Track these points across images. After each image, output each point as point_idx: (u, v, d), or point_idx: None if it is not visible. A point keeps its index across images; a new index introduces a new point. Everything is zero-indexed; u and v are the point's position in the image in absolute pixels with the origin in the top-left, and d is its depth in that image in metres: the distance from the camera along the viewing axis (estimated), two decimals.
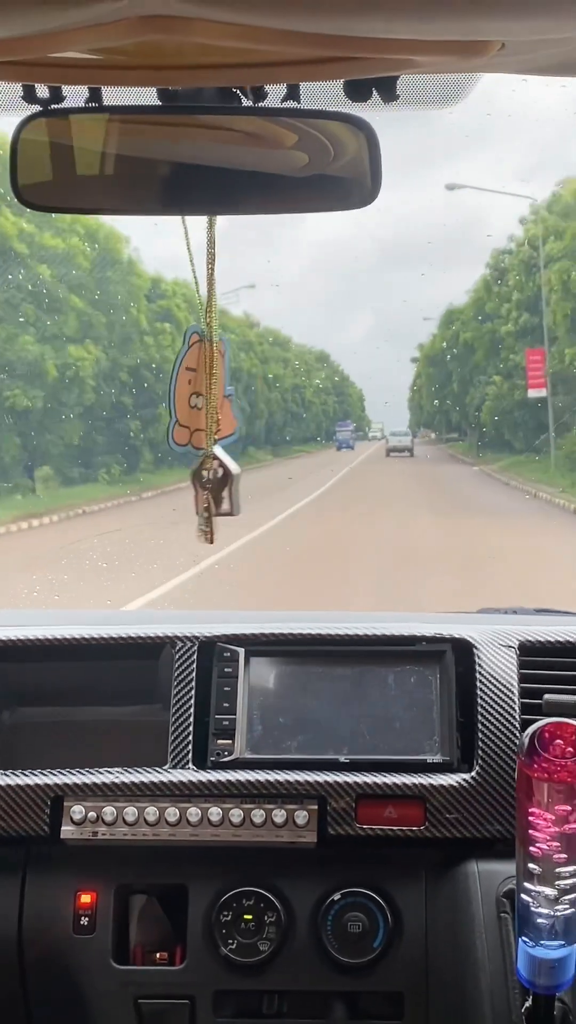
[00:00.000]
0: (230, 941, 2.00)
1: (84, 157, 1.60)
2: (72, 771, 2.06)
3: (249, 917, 2.00)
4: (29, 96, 1.55)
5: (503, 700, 2.07)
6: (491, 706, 2.06)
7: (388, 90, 1.52)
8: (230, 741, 2.06)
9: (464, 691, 2.10)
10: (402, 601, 9.74)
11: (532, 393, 26.68)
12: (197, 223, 1.77)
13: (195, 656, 2.16)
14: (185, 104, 1.57)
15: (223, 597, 10.27)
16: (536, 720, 1.66)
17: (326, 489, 24.51)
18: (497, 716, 2.05)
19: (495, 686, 2.08)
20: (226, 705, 2.09)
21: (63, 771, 2.06)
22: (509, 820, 1.96)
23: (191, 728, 2.09)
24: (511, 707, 2.06)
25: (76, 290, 24.20)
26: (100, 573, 11.24)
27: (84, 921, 2.04)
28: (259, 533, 14.41)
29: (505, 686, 2.08)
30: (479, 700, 2.07)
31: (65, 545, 15.20)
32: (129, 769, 2.06)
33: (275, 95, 1.58)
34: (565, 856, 1.60)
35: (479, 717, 2.06)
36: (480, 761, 2.02)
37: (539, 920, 1.62)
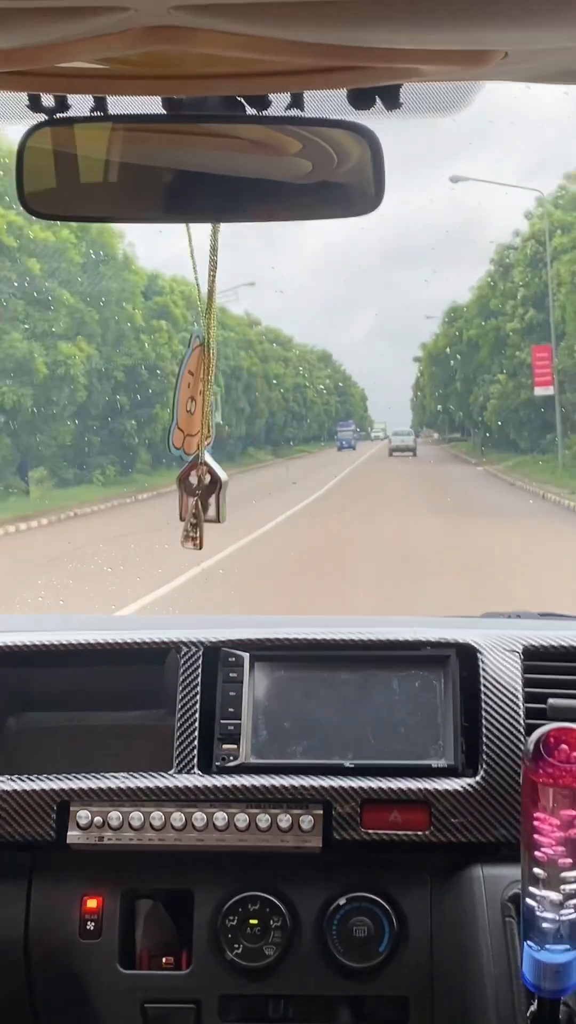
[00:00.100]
0: (236, 946, 2.04)
1: (90, 165, 1.64)
2: (78, 776, 2.10)
3: (255, 922, 2.04)
4: (35, 105, 1.60)
5: (507, 705, 2.10)
6: (495, 711, 2.10)
7: (391, 98, 1.56)
8: (235, 746, 2.11)
9: (468, 696, 2.14)
10: (406, 611, 9.68)
11: (539, 391, 26.66)
12: (201, 227, 1.82)
13: (200, 661, 2.20)
14: (189, 113, 1.62)
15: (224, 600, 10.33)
16: (540, 725, 1.71)
17: (326, 491, 24.45)
18: (501, 721, 2.09)
19: (499, 691, 2.12)
20: (231, 710, 2.13)
21: (69, 776, 2.11)
22: (514, 825, 2.00)
23: (196, 733, 2.13)
24: (515, 712, 2.10)
25: (67, 285, 23.89)
26: (75, 594, 10.93)
27: (90, 926, 2.08)
28: (245, 543, 14.06)
29: (509, 691, 2.12)
30: (483, 705, 2.11)
31: (52, 551, 14.90)
32: (135, 774, 2.10)
33: (279, 103, 1.61)
34: (570, 861, 1.64)
35: (483, 722, 2.10)
36: (485, 766, 2.06)
37: (544, 924, 1.66)
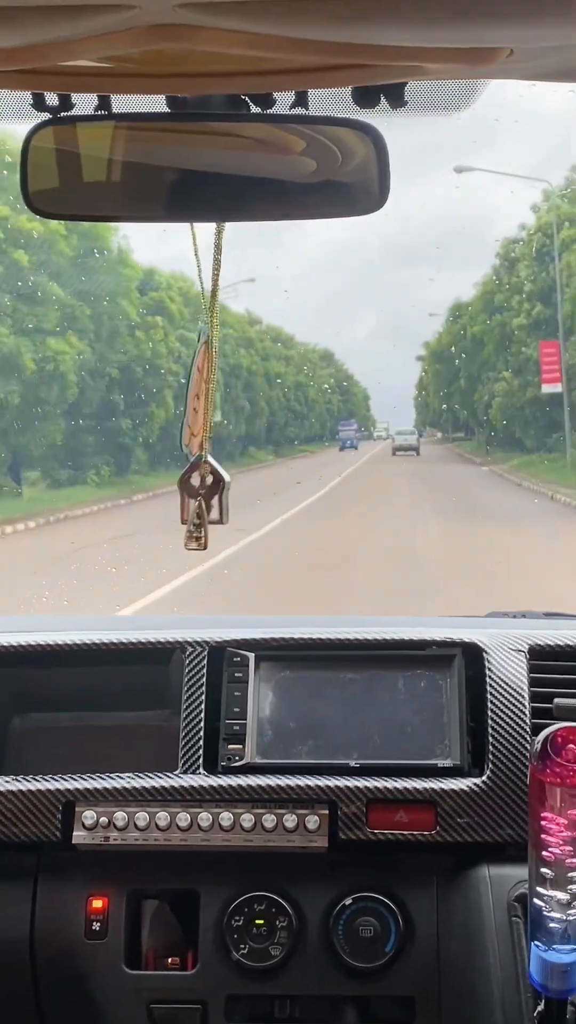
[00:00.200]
0: (242, 946, 2.07)
1: (94, 164, 1.67)
2: (83, 776, 2.14)
3: (261, 922, 2.08)
4: (39, 104, 1.63)
5: (513, 704, 2.14)
6: (501, 710, 2.13)
7: (396, 96, 1.58)
8: (240, 746, 2.14)
9: (474, 695, 2.17)
10: (410, 615, 9.46)
11: (546, 388, 26.62)
12: (204, 225, 1.86)
13: (205, 661, 2.24)
14: (194, 112, 1.66)
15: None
16: (547, 724, 1.74)
17: (327, 491, 24.34)
18: (508, 720, 2.13)
19: (505, 690, 2.15)
20: (236, 710, 2.17)
21: (74, 777, 2.14)
22: (520, 825, 2.03)
23: (202, 733, 2.17)
24: (521, 711, 2.13)
25: (57, 279, 23.57)
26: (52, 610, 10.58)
27: (96, 926, 2.12)
28: (238, 548, 13.78)
29: (515, 690, 2.16)
30: (489, 704, 2.14)
31: (35, 558, 14.53)
32: (140, 774, 2.14)
33: (283, 102, 1.63)
34: None
35: (489, 721, 2.13)
36: (491, 765, 2.09)
37: (551, 924, 1.68)
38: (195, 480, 1.89)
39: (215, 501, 1.88)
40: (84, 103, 1.65)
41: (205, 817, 2.10)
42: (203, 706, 2.20)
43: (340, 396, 50.03)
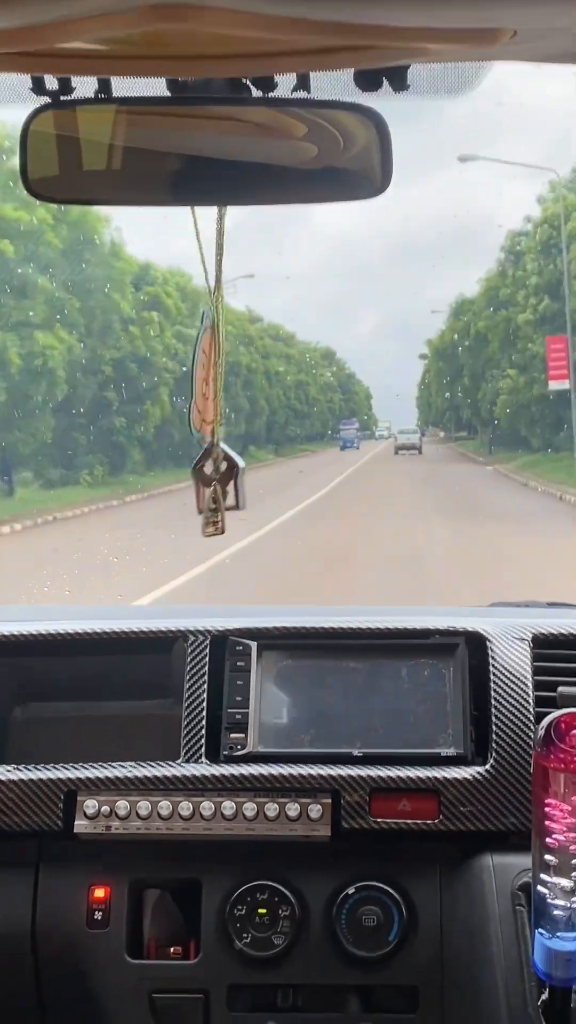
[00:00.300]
0: (244, 935, 2.11)
1: (94, 148, 1.69)
2: (85, 766, 2.17)
3: (263, 911, 2.11)
4: (38, 88, 1.66)
5: (517, 693, 2.17)
6: (505, 699, 2.17)
7: (399, 79, 1.61)
8: (243, 735, 2.18)
9: (478, 684, 2.20)
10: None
11: (553, 385, 26.58)
12: (207, 213, 1.91)
13: (207, 650, 2.27)
14: (194, 95, 1.70)
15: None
16: (550, 713, 1.77)
17: (327, 491, 24.27)
18: (511, 709, 2.16)
19: (509, 679, 2.19)
20: (239, 699, 2.21)
21: (76, 766, 2.17)
22: (524, 813, 2.06)
23: (204, 722, 2.20)
24: (525, 700, 2.16)
25: (46, 271, 23.08)
26: None
27: (98, 916, 2.15)
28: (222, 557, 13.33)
29: (519, 679, 2.19)
30: (493, 693, 2.17)
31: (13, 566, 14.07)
32: (142, 763, 2.17)
33: (285, 86, 1.67)
34: None
35: (493, 710, 2.16)
36: (494, 754, 2.12)
37: (556, 912, 1.72)
38: (208, 468, 1.93)
39: (230, 487, 1.93)
40: (84, 87, 1.69)
41: (207, 806, 2.13)
42: (205, 695, 2.23)
43: (342, 395, 50.19)
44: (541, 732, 1.75)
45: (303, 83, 1.67)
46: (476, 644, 2.26)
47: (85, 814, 2.15)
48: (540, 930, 1.76)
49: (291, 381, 41.42)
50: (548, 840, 1.73)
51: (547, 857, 1.74)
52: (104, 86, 1.67)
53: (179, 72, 1.63)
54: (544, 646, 2.27)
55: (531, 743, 2.09)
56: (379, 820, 2.11)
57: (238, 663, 2.25)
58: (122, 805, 2.14)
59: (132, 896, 2.19)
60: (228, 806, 2.13)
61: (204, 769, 2.16)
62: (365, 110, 1.66)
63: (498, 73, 1.65)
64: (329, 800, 2.12)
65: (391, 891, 2.12)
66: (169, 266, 28.52)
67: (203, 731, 2.20)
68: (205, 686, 2.25)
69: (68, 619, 2.43)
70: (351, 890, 2.12)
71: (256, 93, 1.67)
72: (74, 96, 1.68)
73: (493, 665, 2.22)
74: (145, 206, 1.83)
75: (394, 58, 1.51)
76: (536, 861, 1.76)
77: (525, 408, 29.05)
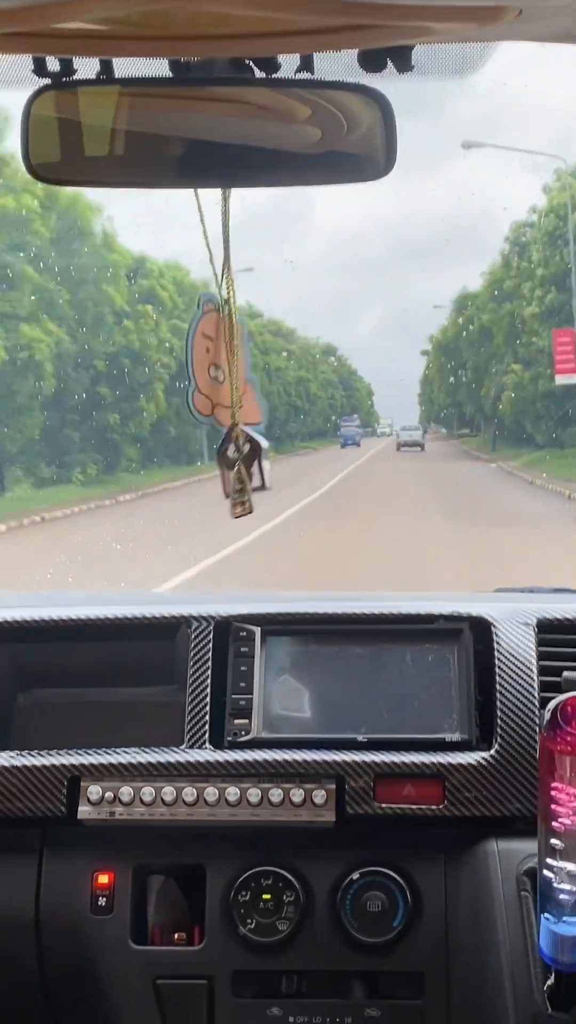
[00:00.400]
0: (249, 921, 2.14)
1: (97, 130, 1.71)
2: (89, 752, 2.21)
3: (268, 897, 2.15)
4: (40, 69, 1.69)
5: (522, 678, 2.21)
6: (510, 684, 2.21)
7: (403, 60, 1.63)
8: (247, 721, 2.22)
9: (482, 669, 2.24)
10: None
11: (560, 380, 26.51)
12: (211, 199, 1.95)
13: (211, 636, 2.31)
14: (197, 76, 1.74)
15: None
16: (555, 698, 1.80)
17: (324, 492, 24.08)
18: (516, 694, 2.20)
19: (514, 664, 2.23)
20: (243, 685, 2.25)
21: (80, 752, 2.21)
22: (529, 798, 2.10)
23: (208, 708, 2.24)
24: (530, 685, 2.20)
25: (32, 261, 22.70)
26: None
27: (102, 902, 2.19)
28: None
29: (524, 664, 2.23)
30: (498, 678, 2.21)
31: None
32: (146, 749, 2.21)
33: (288, 67, 1.68)
34: None
35: (498, 695, 2.20)
36: (499, 739, 2.16)
37: (562, 896, 1.75)
38: (231, 451, 1.98)
39: (255, 468, 1.98)
40: (86, 68, 1.73)
41: (211, 792, 2.16)
42: (209, 681, 2.27)
43: (343, 391, 50.30)
44: (547, 715, 1.79)
45: (306, 64, 1.70)
46: (481, 629, 2.29)
47: (89, 800, 2.19)
48: (546, 915, 1.79)
49: (291, 377, 41.43)
50: (554, 824, 1.77)
51: (553, 841, 1.77)
52: (106, 67, 1.70)
53: (181, 52, 1.65)
54: (549, 631, 2.31)
55: (536, 728, 2.15)
56: (384, 805, 2.15)
57: (242, 649, 2.29)
58: (126, 791, 2.18)
59: (136, 882, 2.22)
60: (232, 792, 2.16)
61: (208, 755, 2.20)
62: (369, 91, 1.69)
63: (502, 55, 1.70)
64: (333, 786, 2.16)
65: (396, 877, 2.16)
66: (166, 260, 28.46)
67: (207, 717, 2.24)
68: (209, 672, 2.28)
69: (72, 605, 2.47)
70: (356, 876, 2.16)
71: (259, 74, 1.70)
72: (76, 77, 1.73)
73: (498, 650, 2.26)
74: (148, 188, 1.87)
75: (398, 37, 1.54)
76: (542, 845, 1.79)
77: (530, 404, 29.06)
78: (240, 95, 1.74)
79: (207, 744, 2.22)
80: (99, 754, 2.22)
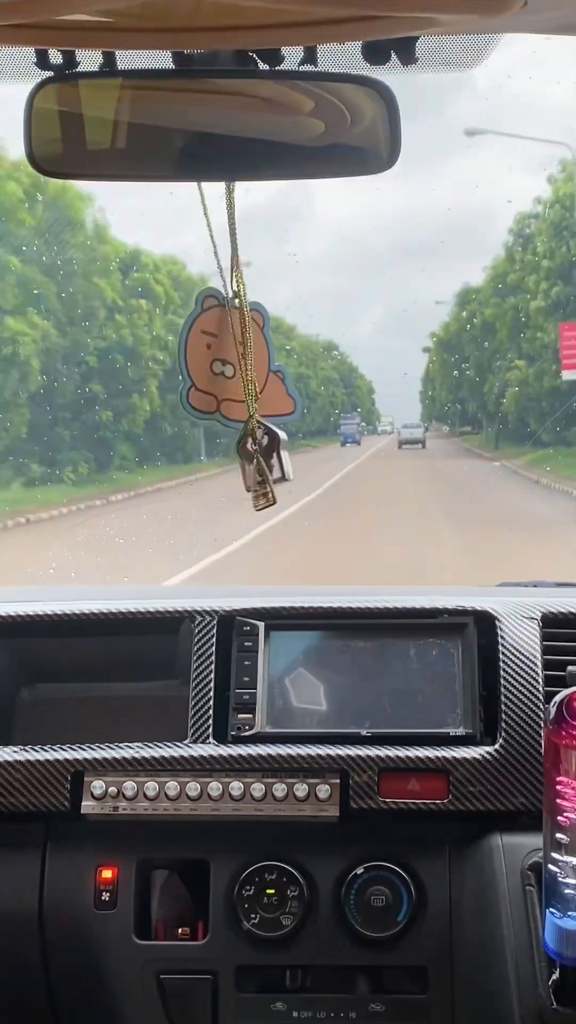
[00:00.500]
0: (252, 916, 2.19)
1: (100, 123, 1.75)
2: (92, 747, 2.25)
3: (272, 892, 2.19)
4: (42, 62, 1.72)
5: (526, 672, 2.25)
6: (514, 678, 2.25)
7: (407, 52, 1.65)
8: (250, 715, 2.26)
9: (487, 663, 2.28)
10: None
11: (567, 375, 26.45)
12: (213, 193, 2.00)
13: (214, 630, 2.36)
14: (200, 68, 1.77)
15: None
16: (559, 692, 1.85)
17: (322, 493, 23.92)
18: (520, 688, 2.24)
19: (518, 658, 2.27)
20: (246, 679, 2.29)
21: (83, 747, 2.25)
22: (533, 793, 2.14)
23: (211, 703, 2.28)
24: (534, 679, 2.25)
25: (17, 252, 22.26)
26: None
27: (105, 896, 2.24)
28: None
29: (528, 658, 2.27)
30: (502, 672, 2.26)
31: None
32: (149, 744, 2.25)
33: (292, 60, 1.72)
34: None
35: (502, 689, 2.24)
36: (504, 733, 2.20)
37: (567, 891, 1.79)
38: (250, 444, 2.03)
39: (274, 460, 2.03)
40: (89, 61, 1.76)
41: (215, 786, 2.20)
42: (213, 675, 2.31)
43: (344, 389, 50.32)
44: (553, 710, 1.83)
45: (310, 56, 1.73)
46: (485, 623, 2.34)
47: (92, 795, 2.23)
48: (551, 909, 1.83)
49: (291, 374, 41.29)
50: (559, 819, 1.81)
51: (558, 836, 1.81)
52: (109, 59, 1.73)
53: (184, 44, 1.68)
54: (553, 625, 2.35)
55: (540, 722, 2.19)
56: (388, 800, 2.19)
57: (245, 643, 2.34)
58: (129, 786, 2.22)
59: (140, 877, 2.26)
60: (236, 787, 2.20)
61: (212, 750, 2.24)
62: (373, 83, 1.72)
63: (504, 52, 1.74)
64: (337, 780, 2.20)
65: (400, 871, 2.20)
66: (162, 254, 28.35)
67: (211, 712, 2.28)
68: (212, 666, 2.32)
69: (74, 599, 2.51)
70: (360, 870, 2.20)
71: (263, 66, 1.73)
72: (79, 70, 1.77)
73: (502, 644, 2.30)
74: (151, 182, 1.90)
75: (402, 29, 1.57)
76: (547, 840, 1.83)
77: (535, 401, 29.02)
78: (243, 87, 1.77)
79: (211, 739, 2.26)
80: (102, 749, 2.26)
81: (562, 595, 2.50)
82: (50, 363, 23.37)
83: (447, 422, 47.29)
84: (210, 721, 2.28)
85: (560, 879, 1.82)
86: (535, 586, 2.77)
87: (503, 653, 2.30)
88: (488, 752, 2.21)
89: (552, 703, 1.84)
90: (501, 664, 2.28)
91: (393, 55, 1.68)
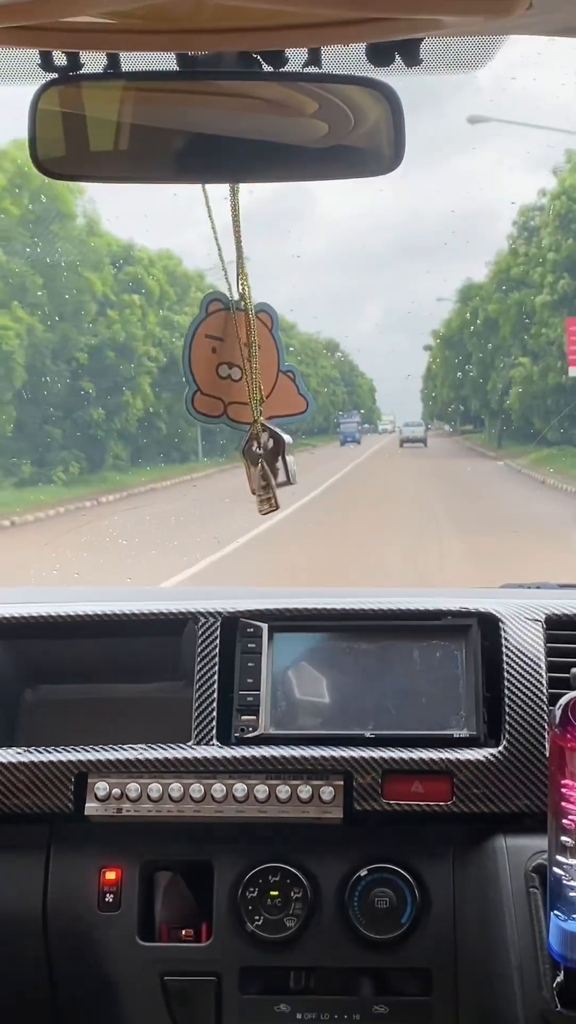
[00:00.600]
0: (256, 917, 2.23)
1: (104, 125, 1.79)
2: (96, 748, 2.29)
3: (275, 893, 2.23)
4: (46, 64, 1.75)
5: (530, 674, 2.30)
6: (518, 680, 2.29)
7: (411, 54, 1.67)
8: (254, 717, 2.31)
9: (490, 665, 2.32)
10: None
11: (574, 372, 26.46)
12: (217, 193, 2.04)
13: (218, 632, 2.40)
14: (204, 70, 1.79)
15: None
16: (564, 694, 1.88)
17: (320, 493, 23.70)
18: (524, 690, 2.28)
19: (522, 660, 2.31)
20: (250, 681, 2.34)
21: (86, 748, 2.29)
22: (537, 795, 2.18)
23: (215, 704, 2.32)
24: (538, 681, 2.29)
25: (1, 243, 22.76)
26: None
27: (109, 898, 2.28)
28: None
29: (532, 660, 2.31)
30: (505, 674, 2.30)
31: None
32: (153, 746, 2.29)
33: (295, 61, 1.75)
34: None
35: (506, 691, 2.28)
36: (507, 735, 2.24)
37: (572, 893, 1.82)
38: (255, 447, 2.09)
39: (279, 464, 2.09)
40: (93, 63, 1.77)
41: (219, 788, 2.24)
42: (216, 677, 2.35)
43: (345, 387, 50.36)
44: (558, 712, 1.87)
45: (314, 58, 1.75)
46: (489, 625, 2.38)
47: (96, 796, 2.27)
48: (556, 912, 1.86)
49: None
50: (564, 821, 1.84)
51: (563, 838, 1.84)
52: (113, 61, 1.76)
53: (188, 46, 1.70)
54: (557, 627, 2.39)
55: (544, 724, 2.22)
56: (392, 802, 2.23)
57: (249, 645, 2.38)
58: (133, 787, 2.26)
59: (143, 878, 2.30)
60: (240, 788, 2.24)
61: (215, 751, 2.28)
62: (377, 84, 1.75)
63: (506, 52, 1.78)
64: (341, 782, 2.24)
65: (404, 873, 2.24)
66: (158, 249, 28.24)
67: (214, 713, 2.32)
68: (216, 668, 2.37)
69: (78, 601, 2.55)
70: (363, 872, 2.24)
71: (266, 68, 1.75)
72: (83, 72, 1.81)
73: (506, 646, 2.34)
74: (155, 183, 1.94)
75: (407, 31, 1.60)
76: (552, 843, 1.86)
77: (539, 399, 29.01)
78: (247, 89, 1.80)
79: (214, 740, 2.30)
80: (106, 750, 2.30)
81: (566, 597, 2.53)
82: (38, 359, 23.19)
83: (449, 421, 47.29)
84: (214, 722, 2.32)
85: (565, 882, 1.86)
86: (538, 587, 2.81)
87: (507, 655, 2.34)
88: (492, 754, 2.25)
89: (557, 706, 1.88)
90: (505, 666, 2.32)
91: (397, 57, 1.71)
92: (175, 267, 27.85)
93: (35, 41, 1.66)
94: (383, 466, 32.32)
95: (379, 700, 2.35)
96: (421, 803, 2.24)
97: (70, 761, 2.30)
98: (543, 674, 2.31)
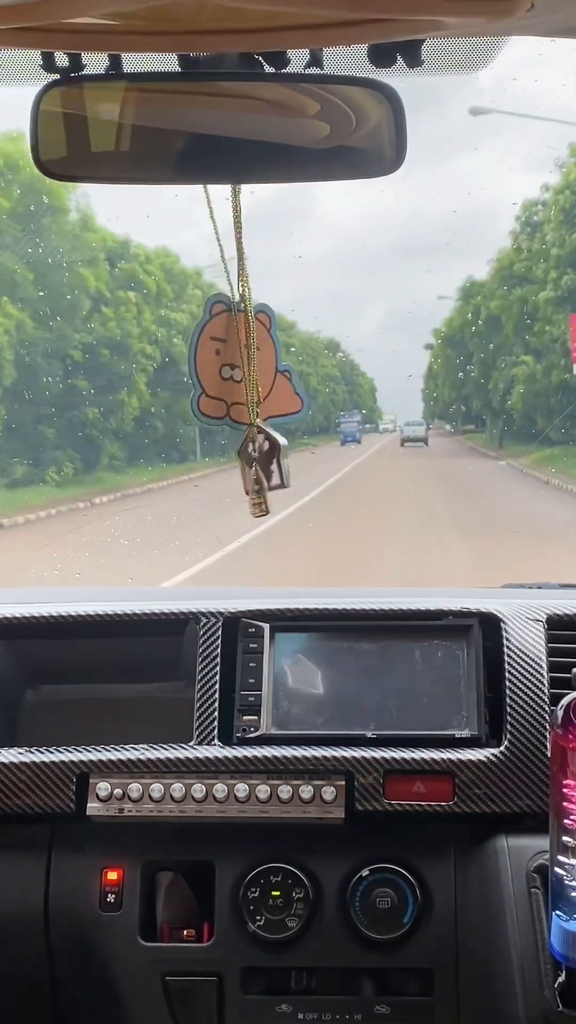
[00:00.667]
0: (258, 918, 2.26)
1: (106, 126, 1.82)
2: (97, 748, 2.32)
3: (277, 893, 2.26)
4: (48, 65, 1.78)
5: (531, 674, 2.32)
6: (519, 680, 2.32)
7: (413, 55, 1.70)
8: (256, 717, 2.34)
9: (492, 665, 2.35)
10: None
11: None
12: (219, 194, 2.08)
13: (220, 632, 2.43)
14: (206, 71, 1.79)
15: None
16: (565, 694, 1.90)
17: (319, 493, 23.61)
18: (526, 690, 2.31)
19: (523, 660, 2.34)
20: (251, 681, 2.37)
21: (88, 748, 2.32)
22: (539, 795, 2.21)
23: (216, 704, 2.35)
24: (540, 681, 2.32)
25: None
26: None
27: (111, 898, 2.31)
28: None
29: (533, 660, 2.34)
30: (507, 674, 2.33)
31: None
32: (154, 746, 2.32)
33: (297, 62, 1.78)
34: None
35: (507, 691, 2.31)
36: (509, 735, 2.27)
37: (573, 894, 1.85)
38: (251, 449, 2.13)
39: (273, 467, 2.12)
40: (95, 64, 1.79)
41: (220, 788, 2.27)
42: (218, 677, 2.38)
43: (346, 386, 50.40)
44: (560, 712, 1.89)
45: (315, 59, 1.78)
46: (490, 625, 2.41)
47: (98, 796, 2.30)
48: (558, 912, 1.88)
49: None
50: (566, 821, 1.86)
51: (565, 838, 1.86)
52: (115, 62, 1.79)
53: (189, 47, 1.72)
54: (559, 627, 2.42)
55: (546, 724, 2.25)
56: (393, 802, 2.26)
57: (251, 645, 2.41)
58: (135, 788, 2.29)
59: (145, 879, 2.33)
60: (241, 788, 2.27)
61: (217, 751, 2.31)
62: (379, 85, 1.78)
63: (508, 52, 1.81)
64: (343, 782, 2.27)
65: (405, 873, 2.27)
66: (155, 247, 28.17)
67: (216, 713, 2.35)
68: (218, 668, 2.40)
69: (79, 601, 2.58)
70: (365, 872, 2.27)
71: (268, 69, 1.78)
72: (85, 73, 1.84)
73: (507, 646, 2.37)
74: (157, 184, 1.97)
75: (408, 32, 1.62)
76: (554, 843, 1.89)
77: (542, 398, 29.00)
78: (249, 90, 1.82)
79: (216, 740, 2.33)
80: (108, 751, 2.33)
81: (567, 597, 2.56)
82: (29, 356, 23.06)
83: (450, 421, 47.31)
84: (215, 723, 2.35)
85: (567, 882, 1.89)
86: (540, 588, 2.84)
87: (508, 655, 2.36)
88: (493, 754, 2.28)
89: (559, 706, 1.91)
90: (506, 666, 2.35)
91: (399, 57, 1.73)
92: (172, 264, 27.77)
93: (37, 42, 1.68)
94: (384, 466, 32.31)
95: (380, 700, 2.38)
96: (423, 803, 2.26)
97: (72, 761, 2.32)
98: (544, 674, 2.34)
